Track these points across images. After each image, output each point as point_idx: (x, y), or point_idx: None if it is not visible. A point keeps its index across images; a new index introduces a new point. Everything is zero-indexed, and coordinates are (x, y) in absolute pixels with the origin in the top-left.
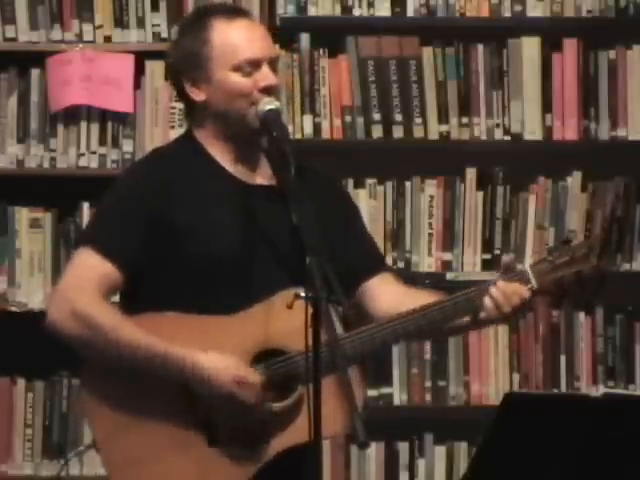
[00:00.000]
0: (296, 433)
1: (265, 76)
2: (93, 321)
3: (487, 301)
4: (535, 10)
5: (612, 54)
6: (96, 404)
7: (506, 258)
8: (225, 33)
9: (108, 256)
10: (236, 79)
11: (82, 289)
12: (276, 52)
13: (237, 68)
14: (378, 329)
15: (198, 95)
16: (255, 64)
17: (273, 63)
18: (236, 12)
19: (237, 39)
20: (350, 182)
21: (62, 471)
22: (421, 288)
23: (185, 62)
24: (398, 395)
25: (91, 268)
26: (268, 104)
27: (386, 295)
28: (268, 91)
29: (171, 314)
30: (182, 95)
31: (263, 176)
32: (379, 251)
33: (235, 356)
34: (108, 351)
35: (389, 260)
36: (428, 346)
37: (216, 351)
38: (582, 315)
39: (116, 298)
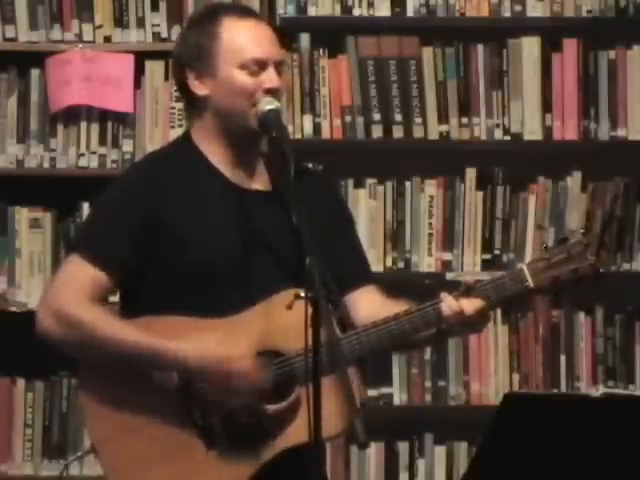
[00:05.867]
0: (294, 434)
1: (270, 78)
2: (77, 320)
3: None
4: (535, 10)
5: (612, 54)
6: (93, 407)
7: (469, 280)
8: (234, 30)
9: (96, 262)
10: (241, 77)
11: (68, 293)
12: (282, 55)
13: (243, 66)
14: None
15: (201, 89)
16: (261, 64)
17: (279, 66)
18: (246, 12)
19: (246, 37)
20: (350, 182)
21: (63, 472)
22: (400, 300)
23: (191, 55)
24: (398, 395)
25: (78, 274)
26: (268, 104)
27: (365, 308)
28: (271, 93)
29: (166, 317)
30: (183, 90)
31: (260, 182)
32: (367, 263)
33: None
34: (95, 349)
35: (389, 260)
36: None
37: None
38: (582, 315)
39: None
